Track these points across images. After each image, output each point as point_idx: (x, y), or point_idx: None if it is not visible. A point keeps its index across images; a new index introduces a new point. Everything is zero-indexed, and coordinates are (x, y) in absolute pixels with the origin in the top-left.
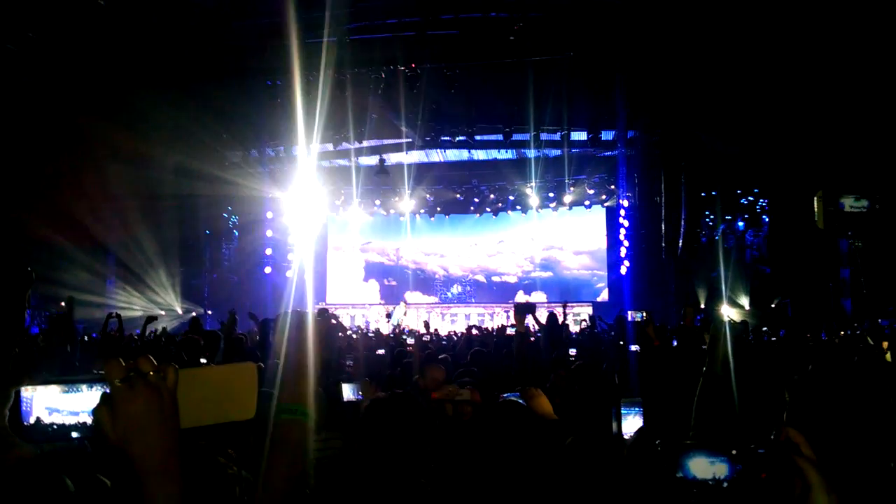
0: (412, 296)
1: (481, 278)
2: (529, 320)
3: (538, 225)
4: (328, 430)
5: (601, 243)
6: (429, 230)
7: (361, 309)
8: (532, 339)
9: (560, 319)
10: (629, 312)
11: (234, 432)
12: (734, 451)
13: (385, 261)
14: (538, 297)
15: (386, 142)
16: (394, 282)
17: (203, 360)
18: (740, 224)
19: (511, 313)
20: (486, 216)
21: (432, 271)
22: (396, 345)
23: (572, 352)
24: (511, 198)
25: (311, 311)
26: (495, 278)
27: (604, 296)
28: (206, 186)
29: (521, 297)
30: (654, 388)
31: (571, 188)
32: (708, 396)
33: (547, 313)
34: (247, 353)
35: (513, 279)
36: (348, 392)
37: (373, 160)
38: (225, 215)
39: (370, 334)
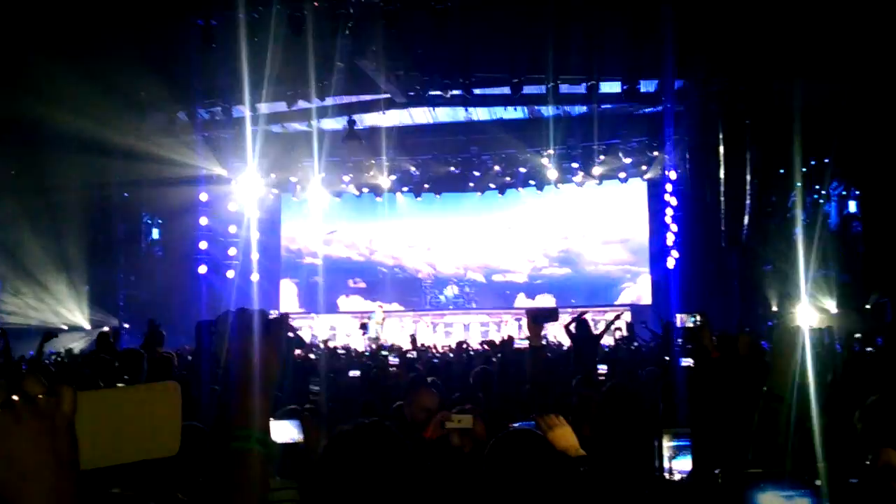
0: (371, 303)
1: (480, 277)
2: (554, 330)
3: (557, 205)
4: (281, 477)
5: (640, 229)
6: (414, 214)
7: (325, 317)
8: (549, 354)
9: (595, 329)
10: (678, 316)
11: (179, 471)
12: (818, 482)
13: (355, 255)
14: (544, 300)
15: (357, 98)
16: (362, 283)
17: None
18: (826, 200)
19: (523, 322)
20: (490, 195)
21: (416, 269)
22: (374, 365)
23: (602, 369)
24: (522, 170)
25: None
26: (497, 277)
27: (640, 295)
28: (120, 163)
29: (521, 301)
30: (708, 415)
31: (601, 156)
32: (768, 425)
33: (576, 319)
34: (177, 377)
35: (521, 278)
36: (290, 430)
37: (340, 123)
38: (145, 201)
39: (340, 351)
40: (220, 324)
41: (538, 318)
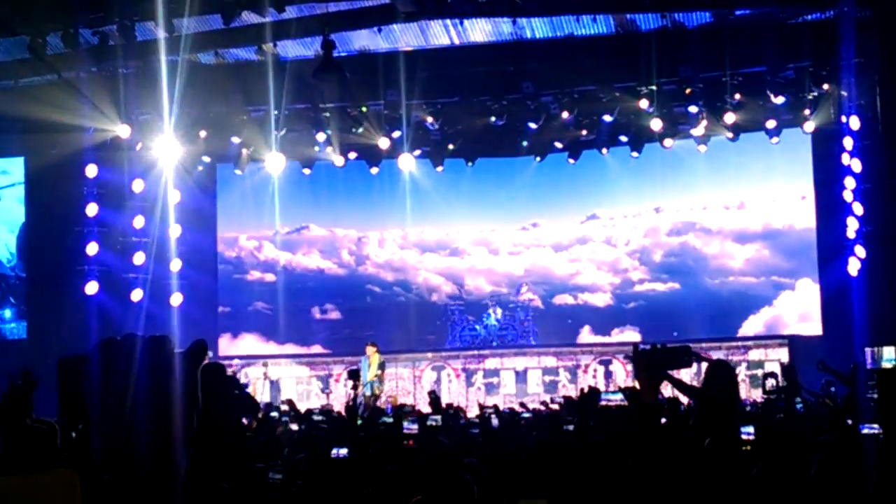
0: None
1: (534, 299)
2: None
3: (663, 177)
4: None
5: (801, 213)
6: (431, 195)
7: (290, 366)
8: (663, 419)
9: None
10: (868, 352)
11: None
12: None
13: (329, 266)
14: (626, 336)
15: (337, 7)
16: (335, 312)
17: None
18: None
19: (617, 366)
20: (555, 161)
21: (432, 286)
22: (370, 437)
23: (747, 433)
24: (606, 118)
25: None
26: (563, 299)
27: (795, 321)
28: None
29: (586, 336)
30: None
31: (736, 95)
32: None
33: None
34: (59, 456)
35: (602, 299)
36: None
37: (310, 48)
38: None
39: (316, 417)
40: (102, 359)
41: (656, 363)
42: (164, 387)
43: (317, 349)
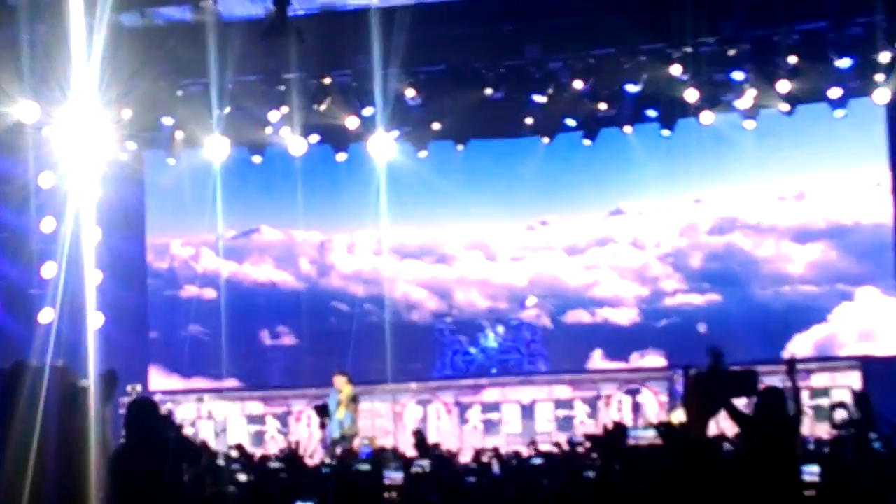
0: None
1: (542, 315)
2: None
3: (701, 160)
4: None
5: (873, 203)
6: (413, 187)
7: (238, 403)
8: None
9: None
10: None
11: None
12: None
13: (284, 279)
14: (652, 361)
15: None
16: (290, 336)
17: None
18: None
19: (647, 396)
20: (567, 142)
21: (412, 301)
22: (340, 485)
23: (811, 474)
24: (631, 89)
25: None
26: (577, 315)
27: (867, 337)
28: None
29: (597, 361)
30: None
31: (792, 59)
32: None
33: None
34: None
35: (625, 315)
36: None
37: (259, 5)
38: None
39: (273, 465)
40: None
41: (718, 389)
42: (63, 428)
43: (271, 382)
